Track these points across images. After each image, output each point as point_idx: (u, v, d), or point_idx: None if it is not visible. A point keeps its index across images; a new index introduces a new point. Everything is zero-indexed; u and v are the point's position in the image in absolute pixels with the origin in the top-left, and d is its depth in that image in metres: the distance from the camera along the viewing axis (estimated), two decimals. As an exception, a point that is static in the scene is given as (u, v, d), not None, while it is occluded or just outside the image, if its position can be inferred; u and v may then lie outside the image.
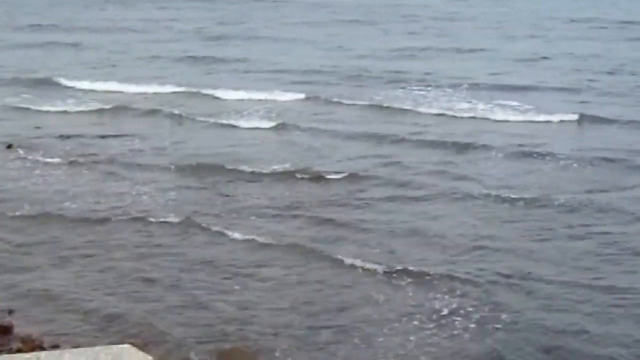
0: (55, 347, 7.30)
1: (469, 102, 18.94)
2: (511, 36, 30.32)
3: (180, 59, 25.57)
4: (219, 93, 20.15)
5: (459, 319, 8.40)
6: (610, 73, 22.43)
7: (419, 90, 20.34)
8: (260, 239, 10.50)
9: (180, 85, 20.95)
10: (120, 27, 33.08)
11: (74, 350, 5.17)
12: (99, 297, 9.00)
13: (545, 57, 25.17)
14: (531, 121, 17.26)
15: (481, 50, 26.70)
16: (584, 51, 25.94)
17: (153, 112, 18.22)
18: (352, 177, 13.21)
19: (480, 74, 22.18)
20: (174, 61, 25.16)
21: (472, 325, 8.26)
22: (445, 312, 8.56)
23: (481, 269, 9.52)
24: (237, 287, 9.28)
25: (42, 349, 7.15)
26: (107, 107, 18.63)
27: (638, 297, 8.85)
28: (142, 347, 6.67)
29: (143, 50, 27.12)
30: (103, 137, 16.02)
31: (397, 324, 8.35)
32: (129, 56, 26.19)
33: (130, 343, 5.51)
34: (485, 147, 15.00)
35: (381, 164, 14.02)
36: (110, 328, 8.26)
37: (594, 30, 31.20)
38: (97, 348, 5.13)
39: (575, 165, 13.81)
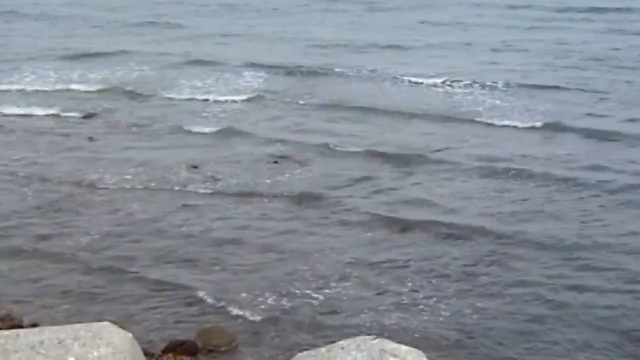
0: (34, 325, 7.28)
1: (422, 102, 17.37)
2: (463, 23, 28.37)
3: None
4: (142, 90, 18.19)
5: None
6: (580, 67, 20.74)
7: (373, 87, 18.88)
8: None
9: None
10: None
11: (54, 327, 5.15)
12: (78, 276, 9.01)
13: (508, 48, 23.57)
14: (491, 124, 15.44)
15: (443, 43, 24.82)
16: (550, 42, 24.30)
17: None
18: (282, 197, 11.57)
19: (439, 68, 20.63)
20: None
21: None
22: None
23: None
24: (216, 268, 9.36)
25: (21, 327, 7.12)
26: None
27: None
28: (123, 325, 6.69)
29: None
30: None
31: (373, 304, 8.40)
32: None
33: (111, 321, 5.49)
34: (433, 159, 13.23)
35: (325, 185, 12.01)
36: (90, 307, 8.29)
37: (560, 18, 29.68)
38: (77, 325, 5.12)
39: (530, 186, 11.99)
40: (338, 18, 30.61)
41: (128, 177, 12.38)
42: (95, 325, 5.10)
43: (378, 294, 8.64)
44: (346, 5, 33.76)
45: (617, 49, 23.23)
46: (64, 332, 4.99)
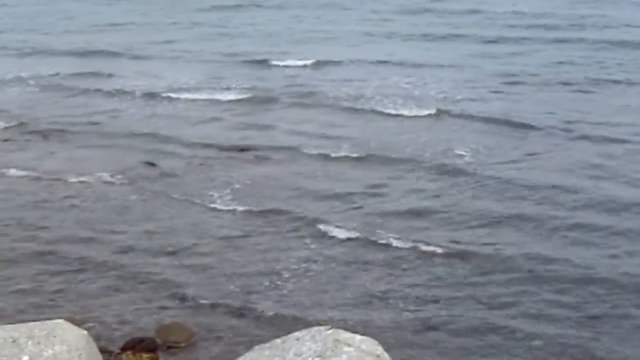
0: (-11, 325, 7.20)
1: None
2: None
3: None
4: None
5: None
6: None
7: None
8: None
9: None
10: None
11: (8, 326, 5.10)
12: (35, 275, 8.94)
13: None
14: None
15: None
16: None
17: None
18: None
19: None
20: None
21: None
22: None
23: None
24: (176, 262, 9.34)
25: (-25, 327, 7.05)
26: None
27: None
28: (80, 323, 6.66)
29: None
30: None
31: (335, 296, 8.48)
32: None
33: (67, 319, 5.46)
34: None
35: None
36: (47, 305, 8.23)
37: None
38: (32, 324, 5.08)
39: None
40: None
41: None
42: (50, 323, 5.06)
43: (337, 288, 8.70)
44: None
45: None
46: (18, 330, 4.96)
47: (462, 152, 13.25)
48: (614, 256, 9.32)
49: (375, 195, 11.46)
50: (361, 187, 11.77)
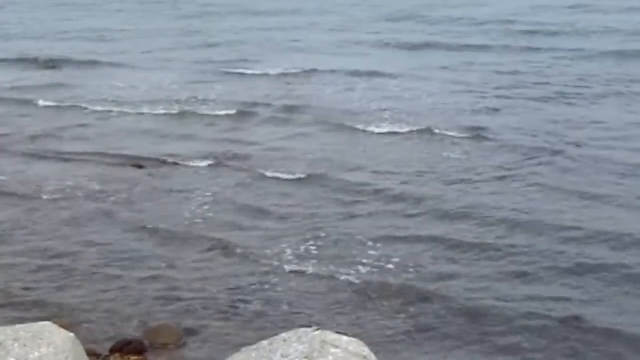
0: (-25, 328, 7.17)
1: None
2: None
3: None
4: None
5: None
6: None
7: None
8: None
9: None
10: None
11: (-6, 329, 5.10)
12: (22, 277, 8.93)
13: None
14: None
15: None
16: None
17: None
18: None
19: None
20: None
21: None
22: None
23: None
24: (163, 265, 9.34)
25: (-39, 330, 7.01)
26: None
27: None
28: (67, 326, 6.64)
29: None
30: None
31: (321, 297, 8.49)
32: None
33: (54, 321, 5.45)
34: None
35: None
36: (35, 308, 8.20)
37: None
38: (18, 326, 5.08)
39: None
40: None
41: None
42: (36, 326, 5.06)
43: (326, 289, 8.72)
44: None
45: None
46: (4, 333, 4.95)
47: (434, 173, 12.55)
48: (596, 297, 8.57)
49: (344, 219, 10.75)
50: (325, 211, 11.09)
